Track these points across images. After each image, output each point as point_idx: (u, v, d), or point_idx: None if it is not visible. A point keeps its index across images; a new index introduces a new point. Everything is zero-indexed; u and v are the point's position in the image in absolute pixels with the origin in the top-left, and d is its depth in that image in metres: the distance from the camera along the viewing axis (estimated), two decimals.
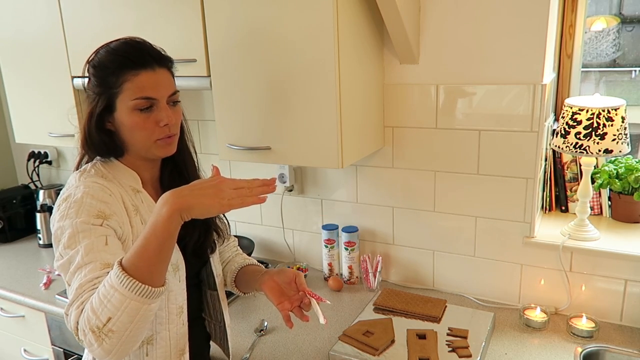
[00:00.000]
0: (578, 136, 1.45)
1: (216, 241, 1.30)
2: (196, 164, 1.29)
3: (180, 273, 1.15)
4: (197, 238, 1.22)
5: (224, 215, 1.30)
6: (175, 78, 1.15)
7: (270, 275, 1.20)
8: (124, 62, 1.06)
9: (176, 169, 1.24)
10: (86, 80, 1.12)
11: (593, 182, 1.63)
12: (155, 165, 1.20)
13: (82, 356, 1.32)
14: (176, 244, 1.10)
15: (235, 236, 2.09)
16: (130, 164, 1.16)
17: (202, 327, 1.32)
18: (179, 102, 1.15)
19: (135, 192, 1.14)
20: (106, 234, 1.01)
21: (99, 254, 0.98)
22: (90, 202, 1.03)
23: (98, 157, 1.15)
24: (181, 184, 1.02)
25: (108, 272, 0.92)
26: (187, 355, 1.18)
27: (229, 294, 1.45)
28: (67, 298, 1.02)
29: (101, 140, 1.11)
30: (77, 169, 1.16)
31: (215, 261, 1.31)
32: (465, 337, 1.45)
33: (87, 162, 1.16)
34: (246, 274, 1.33)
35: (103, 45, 1.11)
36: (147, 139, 1.10)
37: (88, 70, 1.11)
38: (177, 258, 1.15)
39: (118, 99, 1.07)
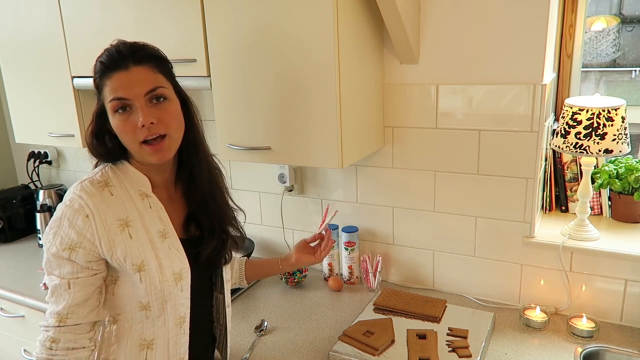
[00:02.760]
0: (578, 136, 1.45)
1: (232, 252, 1.28)
2: (215, 160, 1.25)
3: (184, 282, 1.12)
4: (214, 248, 1.20)
5: (242, 228, 1.31)
6: (166, 73, 1.10)
7: (293, 252, 1.47)
8: (100, 67, 1.07)
9: (190, 171, 1.18)
10: None
11: (593, 182, 1.63)
12: (165, 168, 1.16)
13: None
14: (184, 252, 1.14)
15: None
16: (140, 166, 1.13)
17: (210, 330, 1.31)
18: (167, 99, 1.07)
19: (143, 197, 1.11)
20: (72, 272, 1.07)
21: (62, 298, 1.07)
22: (64, 227, 1.05)
23: (107, 162, 1.14)
24: (195, 189, 1.17)
25: (60, 329, 1.06)
26: None
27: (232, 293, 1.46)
28: None
29: (101, 144, 1.11)
30: None
31: (226, 267, 1.29)
32: (465, 337, 1.45)
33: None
34: (255, 266, 1.49)
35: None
36: (132, 143, 1.06)
37: None
38: (180, 267, 1.12)
39: (105, 104, 1.07)
